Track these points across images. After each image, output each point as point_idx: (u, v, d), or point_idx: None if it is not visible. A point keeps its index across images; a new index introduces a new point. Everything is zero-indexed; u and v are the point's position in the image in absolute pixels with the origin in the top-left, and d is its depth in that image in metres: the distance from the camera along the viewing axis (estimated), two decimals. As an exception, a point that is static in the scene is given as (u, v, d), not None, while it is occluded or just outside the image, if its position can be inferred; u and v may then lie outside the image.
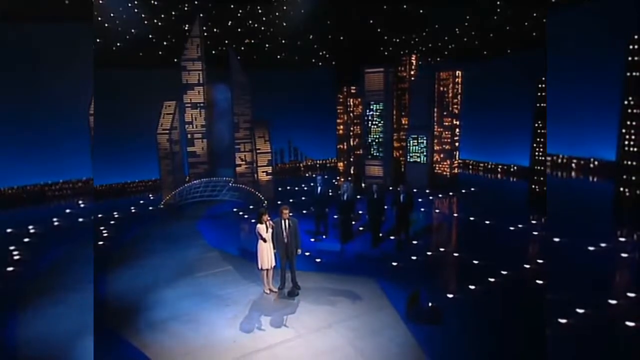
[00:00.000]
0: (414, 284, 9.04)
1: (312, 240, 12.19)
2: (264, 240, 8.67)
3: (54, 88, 16.26)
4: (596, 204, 14.45)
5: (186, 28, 17.83)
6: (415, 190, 16.94)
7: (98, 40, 16.80)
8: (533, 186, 14.76)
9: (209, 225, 14.07)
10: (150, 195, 18.20)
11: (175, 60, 17.39)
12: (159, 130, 16.31)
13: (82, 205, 16.79)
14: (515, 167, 20.86)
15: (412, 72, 19.45)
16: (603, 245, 10.54)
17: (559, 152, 20.05)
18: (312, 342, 7.16)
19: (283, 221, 8.79)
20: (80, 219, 14.82)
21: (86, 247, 11.51)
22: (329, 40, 23.12)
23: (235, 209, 15.71)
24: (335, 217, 12.95)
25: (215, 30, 19.98)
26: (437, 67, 18.52)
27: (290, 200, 16.25)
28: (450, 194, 17.31)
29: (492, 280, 9.16)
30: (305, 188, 19.23)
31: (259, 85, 18.35)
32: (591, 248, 10.41)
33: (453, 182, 18.32)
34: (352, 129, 20.49)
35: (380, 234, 11.88)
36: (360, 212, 14.09)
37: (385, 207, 11.81)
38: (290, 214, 8.92)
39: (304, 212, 14.46)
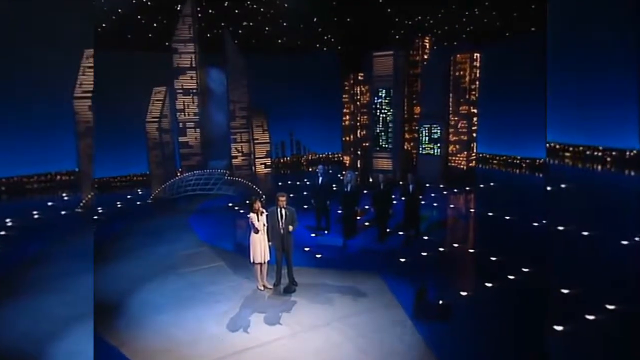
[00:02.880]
0: (423, 281, 8.97)
1: (313, 235, 12.10)
2: (256, 231, 8.58)
3: (33, 69, 16.18)
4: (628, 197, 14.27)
5: (178, 8, 17.80)
6: (427, 185, 16.81)
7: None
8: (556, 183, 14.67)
9: (201, 219, 14.03)
10: (139, 190, 18.18)
11: (167, 43, 17.38)
12: (147, 119, 16.33)
13: (66, 199, 16.81)
14: (540, 161, 20.62)
15: (425, 56, 19.31)
16: (636, 239, 10.36)
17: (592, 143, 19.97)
18: (307, 340, 7.07)
19: (279, 210, 8.68)
20: (63, 212, 14.85)
21: (68, 242, 11.50)
22: (334, 23, 22.97)
23: (230, 204, 15.65)
24: (340, 211, 12.85)
25: (210, 11, 19.92)
26: (453, 50, 18.32)
27: (291, 195, 16.13)
28: (467, 189, 17.13)
29: (512, 277, 9.02)
30: (308, 183, 19.13)
31: (257, 72, 18.33)
32: (624, 242, 10.23)
33: (470, 176, 18.14)
34: (359, 119, 20.46)
35: (388, 229, 11.77)
36: (366, 207, 14.00)
37: (394, 199, 11.72)
38: (287, 204, 8.82)
39: (305, 207, 14.38)
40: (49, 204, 16.04)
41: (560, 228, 11.70)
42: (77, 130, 15.72)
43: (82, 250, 10.89)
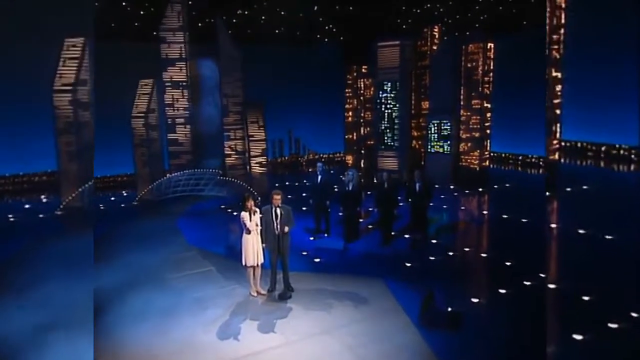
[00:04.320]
0: (430, 286, 8.91)
1: (312, 239, 12.05)
2: (248, 232, 8.52)
3: (8, 60, 16.15)
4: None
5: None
6: (437, 185, 16.74)
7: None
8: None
9: (190, 222, 14.01)
10: (123, 192, 18.14)
11: (155, 33, 17.39)
12: (133, 114, 16.29)
13: (44, 201, 16.77)
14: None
15: (434, 47, 19.29)
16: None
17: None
18: (304, 349, 7.01)
19: (274, 209, 8.61)
20: (41, 215, 14.81)
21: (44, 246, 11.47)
22: (336, 12, 22.97)
23: (222, 206, 15.60)
24: (340, 213, 12.78)
25: (201, -2, 19.98)
26: (464, 40, 18.28)
27: (289, 197, 16.10)
28: (480, 190, 17.04)
29: (528, 283, 8.94)
30: (308, 184, 19.06)
31: (253, 64, 18.32)
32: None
33: (482, 176, 18.04)
34: (362, 115, 20.47)
35: (393, 232, 11.72)
36: (370, 209, 13.95)
37: (399, 199, 11.67)
38: (282, 203, 8.75)
39: (304, 208, 14.33)
40: (26, 206, 16.01)
41: (581, 231, 11.61)
42: (57, 126, 15.63)
43: (62, 253, 10.87)
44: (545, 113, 16.57)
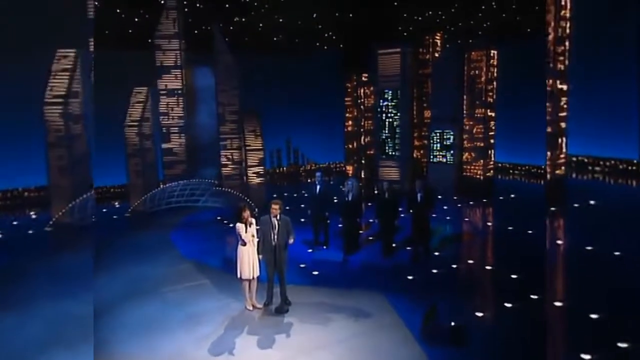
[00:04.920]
0: (432, 300, 8.87)
1: (310, 251, 12.01)
2: (243, 244, 8.48)
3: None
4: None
5: (162, 2, 17.95)
6: (439, 197, 16.69)
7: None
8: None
9: (185, 234, 13.95)
10: (115, 203, 18.09)
11: (150, 40, 17.47)
12: (126, 123, 16.29)
13: (34, 217, 16.61)
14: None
15: (436, 54, 19.37)
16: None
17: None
18: (300, 365, 6.93)
19: (272, 219, 8.58)
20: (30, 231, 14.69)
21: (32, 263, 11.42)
22: (335, 19, 23.12)
23: (218, 217, 15.56)
24: (340, 225, 12.75)
25: (197, 5, 20.10)
26: (467, 47, 18.35)
27: (287, 208, 16.04)
28: (484, 201, 17.00)
29: (535, 297, 8.87)
30: (306, 195, 19.02)
31: (250, 72, 18.36)
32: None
33: (487, 187, 18.00)
34: (363, 124, 20.51)
35: (394, 244, 11.69)
36: (371, 220, 13.92)
37: (401, 210, 11.64)
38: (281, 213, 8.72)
39: (302, 220, 14.30)
40: (14, 223, 15.88)
41: (589, 248, 11.51)
42: (48, 140, 15.40)
43: (48, 271, 10.81)
44: (548, 126, 16.52)
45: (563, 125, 16.76)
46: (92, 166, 15.93)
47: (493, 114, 17.97)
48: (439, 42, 19.52)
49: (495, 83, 17.82)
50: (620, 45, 18.15)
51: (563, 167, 16.89)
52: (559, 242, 12.41)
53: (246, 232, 8.49)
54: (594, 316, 8.03)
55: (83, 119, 15.74)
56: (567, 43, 16.48)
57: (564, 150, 16.84)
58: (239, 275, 8.60)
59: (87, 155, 15.83)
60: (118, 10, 17.93)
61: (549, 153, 16.54)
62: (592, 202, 15.79)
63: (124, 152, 16.42)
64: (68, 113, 15.43)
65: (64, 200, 15.01)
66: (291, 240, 8.70)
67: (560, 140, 16.79)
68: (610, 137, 19.37)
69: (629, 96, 18.39)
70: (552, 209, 15.04)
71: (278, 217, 8.59)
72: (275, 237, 8.54)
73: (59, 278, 10.37)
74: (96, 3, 15.64)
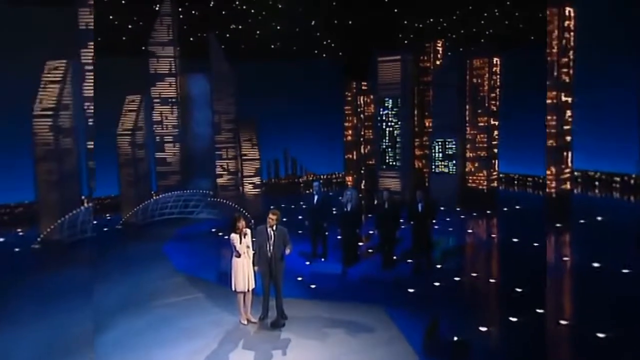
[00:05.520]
0: (435, 314, 8.83)
1: (307, 263, 11.99)
2: (238, 255, 8.44)
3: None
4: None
5: (157, 8, 18.07)
6: (442, 208, 16.69)
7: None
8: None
9: (178, 247, 13.94)
10: (107, 215, 18.03)
11: (144, 48, 17.56)
12: (119, 132, 16.31)
13: (21, 234, 16.46)
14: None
15: (437, 62, 19.47)
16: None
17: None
18: (297, 381, 6.86)
19: (268, 229, 8.54)
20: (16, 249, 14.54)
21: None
22: (334, 26, 23.24)
23: (213, 229, 15.52)
24: (339, 237, 12.72)
25: (193, 12, 20.21)
26: (469, 54, 18.46)
27: (284, 220, 16.02)
28: (488, 212, 16.98)
29: (541, 311, 8.82)
30: (305, 206, 18.99)
31: (247, 80, 18.43)
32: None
33: (491, 198, 18.01)
34: (363, 133, 20.56)
35: (394, 256, 11.67)
36: (371, 232, 13.90)
37: (402, 222, 11.62)
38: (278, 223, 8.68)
39: (300, 232, 14.27)
40: (0, 240, 15.74)
41: (595, 265, 11.41)
42: (36, 154, 15.11)
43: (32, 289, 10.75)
44: (550, 139, 16.48)
45: (568, 138, 16.66)
46: (83, 181, 15.82)
47: (496, 123, 18.07)
48: (440, 49, 19.63)
49: (498, 91, 17.95)
50: (621, 54, 18.17)
51: (568, 182, 16.76)
52: (566, 257, 12.38)
53: (240, 242, 8.45)
54: (600, 335, 7.94)
55: (73, 132, 15.60)
56: (570, 54, 16.45)
57: (569, 164, 16.73)
58: (233, 288, 8.55)
59: (77, 170, 15.70)
60: (111, 17, 18.01)
61: (553, 169, 16.39)
62: (599, 218, 15.71)
63: (116, 161, 16.39)
64: (58, 126, 15.24)
65: (52, 217, 14.70)
66: (288, 251, 8.66)
67: (565, 154, 16.68)
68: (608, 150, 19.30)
69: (629, 108, 18.32)
70: (557, 225, 14.91)
71: (274, 228, 8.55)
72: (271, 248, 8.48)
73: (42, 298, 10.25)
74: (87, 11, 15.70)
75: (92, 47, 15.48)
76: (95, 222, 17.14)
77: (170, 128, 17.37)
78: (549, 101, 16.38)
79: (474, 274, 11.14)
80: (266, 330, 8.46)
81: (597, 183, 20.68)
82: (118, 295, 10.19)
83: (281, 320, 8.61)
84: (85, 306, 9.44)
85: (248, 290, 8.60)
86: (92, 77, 15.39)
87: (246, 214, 15.66)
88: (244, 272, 8.49)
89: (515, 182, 22.36)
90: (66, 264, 12.61)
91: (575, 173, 18.87)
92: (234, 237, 8.46)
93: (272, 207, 9.16)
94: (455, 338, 7.93)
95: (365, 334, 8.15)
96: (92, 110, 15.43)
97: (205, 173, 17.58)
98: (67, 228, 14.51)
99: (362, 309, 9.12)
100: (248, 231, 8.63)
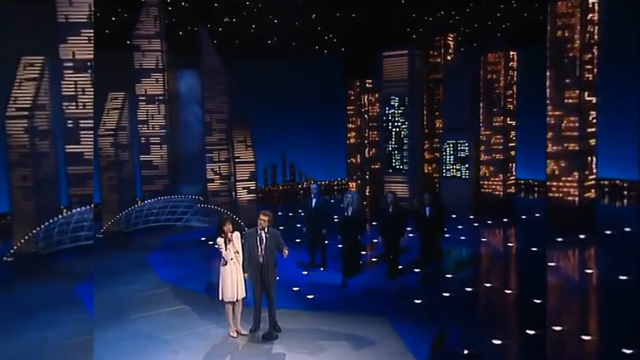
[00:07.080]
0: (443, 325, 8.78)
1: (305, 273, 11.96)
2: (224, 262, 8.41)
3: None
4: None
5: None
6: (454, 215, 16.62)
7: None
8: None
9: (163, 257, 13.96)
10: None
11: (128, 42, 17.64)
12: (100, 132, 16.34)
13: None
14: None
15: (448, 57, 19.48)
16: None
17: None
18: (289, 397, 6.78)
19: (259, 232, 8.46)
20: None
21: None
22: (336, 20, 23.36)
23: (203, 238, 15.49)
24: (340, 245, 12.67)
25: (182, 3, 20.34)
26: (483, 49, 18.44)
27: (281, 228, 16.00)
28: (505, 220, 16.90)
29: (560, 326, 8.73)
30: (303, 214, 18.95)
31: (241, 78, 18.53)
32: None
33: (507, 204, 17.91)
34: (367, 135, 20.53)
35: (400, 265, 11.61)
36: (375, 240, 13.86)
37: (408, 228, 11.59)
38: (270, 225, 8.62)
39: (297, 240, 14.25)
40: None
41: (622, 277, 11.30)
42: (10, 158, 15.14)
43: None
44: (569, 143, 16.25)
45: (592, 142, 16.21)
46: (61, 188, 15.76)
47: (513, 123, 17.99)
48: (451, 44, 19.62)
49: (515, 88, 17.86)
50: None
51: (593, 190, 16.41)
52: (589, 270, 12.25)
53: (226, 248, 8.39)
54: (627, 351, 7.82)
55: (50, 134, 15.58)
56: (595, 50, 16.19)
57: (593, 170, 16.37)
58: (220, 297, 8.51)
59: (54, 176, 15.67)
60: (93, 8, 18.09)
61: (576, 174, 16.00)
62: (627, 229, 15.56)
63: (97, 164, 16.39)
64: (33, 128, 15.25)
65: (27, 226, 14.47)
66: (286, 252, 8.58)
67: (589, 159, 16.27)
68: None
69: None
70: (581, 236, 14.73)
71: (266, 230, 8.47)
72: (262, 252, 8.41)
73: (14, 314, 10.17)
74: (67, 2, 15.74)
75: (87, 41, 15.44)
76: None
77: (157, 128, 17.38)
78: (569, 101, 16.14)
79: (487, 284, 11.04)
80: (257, 344, 8.41)
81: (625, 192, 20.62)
82: (99, 307, 10.15)
83: (274, 333, 8.54)
84: (62, 321, 9.52)
85: (237, 300, 8.54)
86: (91, 76, 15.37)
87: (239, 221, 15.64)
88: (232, 280, 8.43)
89: (535, 189, 22.28)
90: (41, 278, 12.60)
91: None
92: (220, 242, 8.44)
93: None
94: (466, 351, 7.86)
95: (367, 348, 8.10)
96: (92, 111, 15.48)
97: (195, 177, 17.64)
98: (42, 239, 14.38)
99: (364, 320, 9.10)
100: (237, 234, 8.57)
